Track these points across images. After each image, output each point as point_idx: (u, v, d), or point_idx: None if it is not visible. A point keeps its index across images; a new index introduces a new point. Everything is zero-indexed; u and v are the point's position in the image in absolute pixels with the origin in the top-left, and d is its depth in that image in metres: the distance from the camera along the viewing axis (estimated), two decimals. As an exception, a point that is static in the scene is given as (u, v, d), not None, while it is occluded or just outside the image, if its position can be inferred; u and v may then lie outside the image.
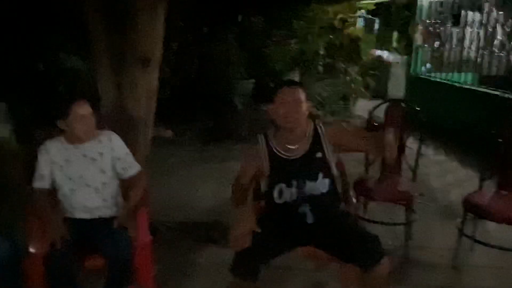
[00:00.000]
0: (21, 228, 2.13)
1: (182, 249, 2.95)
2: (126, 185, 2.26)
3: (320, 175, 2.03)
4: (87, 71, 3.28)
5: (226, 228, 3.25)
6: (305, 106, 2.02)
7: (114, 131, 2.29)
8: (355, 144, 2.10)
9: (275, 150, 2.06)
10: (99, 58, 2.74)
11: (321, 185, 2.04)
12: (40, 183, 2.15)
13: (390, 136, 1.83)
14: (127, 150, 2.27)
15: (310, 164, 2.04)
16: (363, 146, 2.15)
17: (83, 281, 2.11)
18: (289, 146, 2.05)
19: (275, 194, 2.05)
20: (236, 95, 5.88)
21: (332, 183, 2.08)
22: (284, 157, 2.05)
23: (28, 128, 3.17)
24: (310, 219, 2.04)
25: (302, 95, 2.02)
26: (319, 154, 2.05)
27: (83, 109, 2.08)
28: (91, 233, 2.06)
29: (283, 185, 2.03)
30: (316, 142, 2.06)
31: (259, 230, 1.94)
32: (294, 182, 2.02)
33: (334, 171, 2.09)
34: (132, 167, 2.26)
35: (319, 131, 2.08)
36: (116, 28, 2.64)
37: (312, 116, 2.12)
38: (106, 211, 2.17)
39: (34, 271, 1.98)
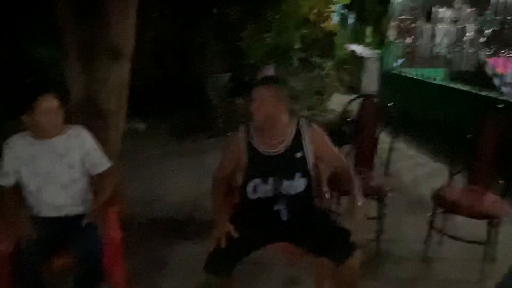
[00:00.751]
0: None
1: (156, 245, 2.91)
2: (96, 182, 2.19)
3: (298, 175, 2.02)
4: (56, 63, 3.15)
5: (200, 223, 3.23)
6: (283, 105, 1.98)
7: (84, 125, 2.22)
8: (328, 161, 2.13)
9: (254, 144, 2.03)
10: (68, 49, 2.65)
11: (298, 184, 2.03)
12: (4, 180, 2.07)
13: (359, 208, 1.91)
14: (96, 145, 2.20)
15: (289, 162, 2.02)
16: (333, 167, 2.17)
17: (52, 280, 2.06)
18: (268, 142, 2.03)
19: (250, 188, 2.03)
20: (211, 88, 5.81)
21: (309, 182, 2.08)
22: (263, 152, 2.02)
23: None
24: (284, 217, 2.03)
25: (280, 94, 1.97)
26: (299, 154, 2.03)
27: (49, 103, 2.00)
28: (59, 231, 2.00)
29: (258, 181, 2.01)
30: (297, 141, 2.04)
31: (236, 235, 1.90)
32: (271, 179, 2.00)
33: (312, 170, 2.08)
34: (102, 163, 2.20)
35: (302, 130, 2.05)
36: (86, 18, 2.55)
37: (295, 114, 2.10)
38: (75, 209, 2.10)
39: (0, 270, 1.91)
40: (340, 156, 2.18)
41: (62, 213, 2.08)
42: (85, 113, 2.60)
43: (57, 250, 1.98)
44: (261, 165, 2.02)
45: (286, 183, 2.01)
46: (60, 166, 2.08)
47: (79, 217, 2.03)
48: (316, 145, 2.06)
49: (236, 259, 1.93)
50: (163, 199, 3.68)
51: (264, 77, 2.03)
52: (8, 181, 2.07)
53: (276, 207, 2.02)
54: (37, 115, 1.98)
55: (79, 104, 2.64)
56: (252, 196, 2.04)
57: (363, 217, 1.94)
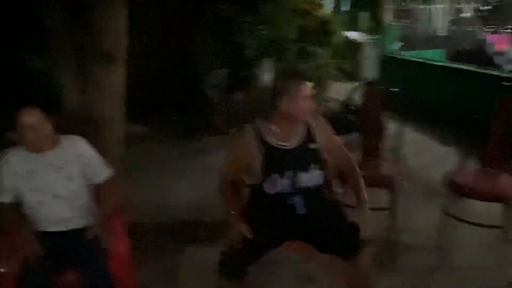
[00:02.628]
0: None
1: (165, 252, 2.84)
2: (99, 192, 2.12)
3: (313, 166, 2.00)
4: (47, 70, 3.07)
5: (209, 225, 3.17)
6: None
7: (80, 134, 2.14)
8: (334, 154, 2.10)
9: (267, 140, 2.00)
10: (60, 56, 2.57)
11: (314, 176, 2.01)
12: (2, 197, 1.99)
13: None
14: (95, 154, 2.12)
15: (304, 155, 2.01)
16: (339, 160, 2.13)
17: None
18: (283, 136, 2.00)
19: (268, 185, 1.98)
20: (209, 86, 5.73)
21: (323, 173, 2.05)
22: (278, 147, 1.99)
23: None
24: (301, 210, 2.00)
25: (311, 88, 1.99)
26: (312, 145, 2.02)
27: (30, 117, 1.88)
28: (64, 247, 1.92)
29: (276, 176, 1.97)
30: (310, 133, 2.03)
31: (250, 235, 1.87)
32: (288, 173, 1.97)
33: (326, 161, 2.06)
34: (102, 172, 2.12)
35: (312, 121, 2.04)
36: (77, 24, 2.47)
37: None
38: (79, 222, 2.02)
39: (6, 292, 1.84)
40: (345, 150, 2.16)
41: (66, 227, 2.00)
42: (81, 121, 2.52)
43: (63, 266, 1.91)
44: (278, 160, 1.98)
45: (302, 175, 1.98)
46: (59, 179, 2.00)
47: (83, 230, 1.97)
48: (325, 136, 2.05)
49: (250, 261, 1.90)
50: (169, 203, 3.61)
51: (296, 72, 2.08)
52: (7, 198, 2.00)
53: (292, 201, 2.00)
54: (21, 130, 1.89)
55: (74, 112, 2.56)
56: (271, 191, 1.99)
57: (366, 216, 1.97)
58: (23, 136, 1.91)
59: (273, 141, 2.00)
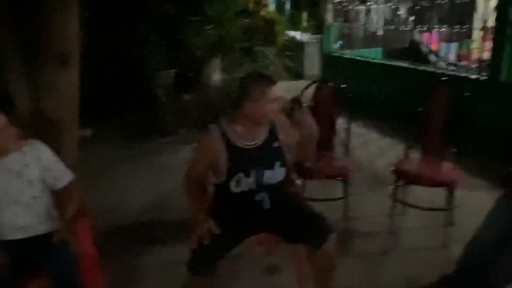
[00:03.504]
0: None
1: (127, 253, 2.81)
2: (60, 197, 2.07)
3: (277, 164, 2.05)
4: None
5: (168, 224, 3.16)
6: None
7: (37, 138, 2.07)
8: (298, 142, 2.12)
9: (232, 140, 2.01)
10: (9, 56, 2.45)
11: (278, 173, 2.07)
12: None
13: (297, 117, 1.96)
14: (56, 158, 2.07)
15: (268, 153, 2.05)
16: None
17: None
18: (247, 136, 2.03)
19: (233, 184, 2.02)
20: (157, 86, 5.65)
21: (287, 170, 2.12)
22: (243, 146, 2.02)
23: None
24: (267, 205, 2.06)
25: (276, 91, 1.99)
26: (276, 143, 2.07)
27: None
28: (29, 254, 1.87)
29: (241, 175, 2.01)
30: (273, 131, 2.08)
31: (218, 231, 1.90)
32: (253, 172, 2.01)
33: (288, 158, 2.12)
34: (64, 176, 2.08)
35: (275, 119, 2.07)
36: (28, 24, 2.37)
37: None
38: (42, 228, 1.97)
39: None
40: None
41: (29, 233, 1.94)
42: (36, 125, 2.43)
43: (29, 274, 1.85)
44: (243, 159, 2.01)
45: (267, 173, 2.03)
46: (19, 184, 1.94)
47: (48, 236, 1.91)
48: (286, 132, 2.10)
49: (219, 256, 1.92)
50: (125, 205, 3.55)
51: (262, 76, 2.02)
52: (-37, 207, 1.90)
53: (258, 197, 2.05)
54: None
55: (29, 116, 2.46)
56: (235, 190, 2.03)
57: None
58: None
59: (238, 141, 2.02)
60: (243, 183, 2.02)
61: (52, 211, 2.05)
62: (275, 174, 2.06)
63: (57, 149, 2.19)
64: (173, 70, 5.85)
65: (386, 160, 4.30)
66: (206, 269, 1.87)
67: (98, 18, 5.85)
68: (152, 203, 3.59)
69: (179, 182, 2.13)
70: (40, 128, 2.41)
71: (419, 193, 3.17)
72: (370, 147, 4.99)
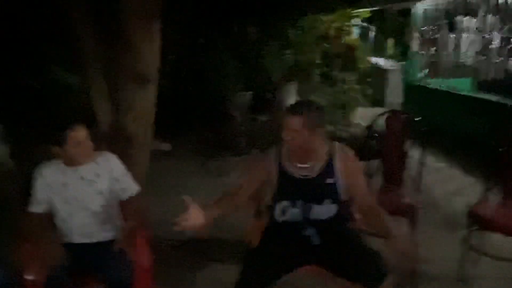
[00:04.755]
0: (17, 254, 2.07)
1: (183, 268, 2.89)
2: (124, 207, 2.21)
3: (328, 201, 1.98)
4: (82, 89, 3.23)
5: (226, 244, 3.20)
6: (314, 134, 1.90)
7: (111, 150, 2.25)
8: (355, 193, 2.02)
9: (285, 166, 1.99)
10: (93, 76, 2.71)
11: (328, 210, 1.99)
12: (36, 207, 2.10)
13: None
14: (125, 170, 2.22)
15: (319, 188, 1.98)
16: (362, 204, 2.05)
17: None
18: (300, 166, 1.98)
19: (277, 211, 2.00)
20: (233, 107, 5.84)
21: (340, 206, 2.01)
22: (294, 175, 1.98)
23: (25, 148, 3.12)
24: (316, 241, 2.00)
25: (311, 122, 1.88)
26: (330, 180, 1.97)
27: (79, 135, 2.02)
28: (90, 258, 2.02)
29: (287, 203, 1.98)
30: (330, 166, 1.98)
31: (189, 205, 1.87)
32: (299, 203, 1.97)
33: (344, 196, 2.01)
34: (130, 188, 2.22)
35: (335, 154, 1.99)
36: (111, 47, 2.61)
37: (330, 139, 2.04)
38: (105, 235, 2.12)
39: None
40: (368, 192, 2.09)
41: (93, 239, 2.10)
42: (112, 138, 2.63)
43: (88, 277, 1.99)
44: (291, 188, 1.98)
45: (315, 208, 1.98)
46: (90, 193, 2.10)
47: (109, 243, 2.05)
48: (348, 172, 1.98)
49: (267, 282, 1.90)
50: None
51: (294, 104, 1.98)
52: (40, 209, 2.10)
53: (306, 232, 1.99)
54: (68, 146, 2.01)
55: (106, 130, 2.68)
56: (280, 218, 2.01)
57: (407, 244, 1.89)
58: (69, 151, 2.02)
59: (290, 168, 1.98)
60: (288, 213, 1.98)
61: (116, 220, 2.19)
62: (324, 210, 1.98)
63: (129, 162, 2.36)
64: (250, 92, 6.00)
65: (464, 200, 3.96)
66: None
67: (185, 40, 6.25)
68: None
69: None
70: (115, 142, 2.60)
71: (497, 241, 2.87)
72: (449, 185, 4.64)
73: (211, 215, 1.94)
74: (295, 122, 1.87)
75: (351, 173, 1.99)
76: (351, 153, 2.04)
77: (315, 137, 1.92)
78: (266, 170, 2.01)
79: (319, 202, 1.97)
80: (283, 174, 1.99)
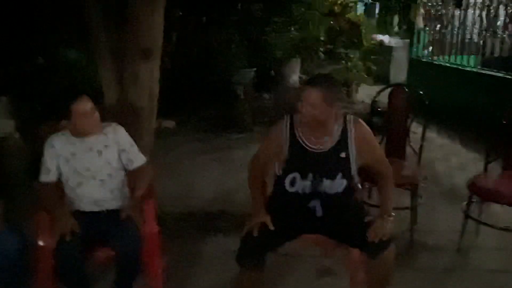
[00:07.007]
0: (29, 222, 2.15)
1: (189, 240, 2.96)
2: (132, 177, 2.27)
3: (339, 175, 1.98)
4: (89, 64, 3.27)
5: (231, 217, 3.28)
6: (330, 107, 1.90)
7: (119, 123, 2.30)
8: (371, 163, 2.05)
9: (298, 137, 1.99)
10: (100, 51, 2.74)
11: (338, 184, 1.99)
12: (47, 176, 2.16)
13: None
14: (132, 141, 2.27)
15: (332, 162, 1.97)
16: (375, 170, 2.09)
17: (92, 274, 2.14)
18: (313, 138, 1.98)
19: (287, 181, 2.01)
20: (237, 84, 5.85)
21: (350, 183, 2.02)
22: (306, 147, 1.99)
23: (32, 123, 3.18)
24: (319, 213, 2.02)
25: (328, 96, 1.88)
26: (343, 154, 1.97)
27: (84, 106, 2.07)
28: (99, 226, 2.08)
29: (297, 175, 1.98)
30: (343, 140, 1.98)
31: (272, 227, 1.92)
32: (310, 175, 1.97)
33: (355, 172, 2.02)
34: (137, 159, 2.27)
35: (348, 127, 1.99)
36: (116, 21, 2.63)
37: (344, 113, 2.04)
38: (113, 203, 2.18)
39: (44, 264, 2.00)
40: (386, 160, 2.12)
41: (102, 207, 2.16)
42: (119, 111, 2.68)
43: (97, 244, 2.05)
44: (303, 160, 1.98)
45: (326, 182, 1.97)
46: (99, 163, 2.16)
47: (117, 211, 2.11)
48: (361, 144, 1.99)
49: (268, 248, 1.94)
50: (193, 194, 3.75)
51: (312, 77, 1.98)
52: (51, 178, 2.16)
53: (311, 204, 2.01)
54: (75, 118, 2.06)
55: (113, 103, 2.72)
56: (289, 189, 2.01)
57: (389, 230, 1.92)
58: (76, 123, 2.07)
59: (303, 139, 1.99)
60: (298, 184, 1.99)
61: (124, 189, 2.25)
62: (334, 185, 1.98)
63: (135, 135, 2.42)
64: (253, 69, 6.00)
65: (467, 174, 4.00)
66: (253, 261, 1.89)
67: (188, 18, 6.23)
68: (219, 194, 3.74)
69: (246, 177, 2.18)
70: (122, 115, 2.65)
71: (496, 212, 2.93)
72: (452, 159, 4.69)
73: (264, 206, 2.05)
74: (313, 95, 1.88)
75: (366, 142, 2.01)
76: (363, 123, 2.05)
77: (332, 111, 1.93)
78: (279, 140, 2.01)
79: (331, 177, 1.97)
80: (296, 145, 1.99)
